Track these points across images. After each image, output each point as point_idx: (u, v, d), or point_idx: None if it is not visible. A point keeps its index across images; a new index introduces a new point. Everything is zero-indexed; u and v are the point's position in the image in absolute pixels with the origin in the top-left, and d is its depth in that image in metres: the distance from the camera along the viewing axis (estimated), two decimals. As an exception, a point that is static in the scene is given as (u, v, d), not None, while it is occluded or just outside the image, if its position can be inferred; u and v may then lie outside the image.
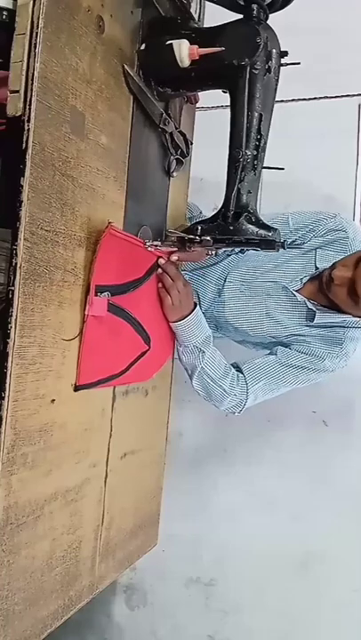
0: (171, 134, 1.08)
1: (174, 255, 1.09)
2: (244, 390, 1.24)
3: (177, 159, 1.12)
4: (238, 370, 1.27)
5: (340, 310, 1.24)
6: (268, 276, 1.32)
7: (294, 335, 1.29)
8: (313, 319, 1.25)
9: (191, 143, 1.16)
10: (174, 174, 1.14)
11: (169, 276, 1.10)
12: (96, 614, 2.06)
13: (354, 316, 1.23)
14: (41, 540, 0.82)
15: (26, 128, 0.72)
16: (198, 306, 1.19)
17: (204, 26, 1.08)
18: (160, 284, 1.12)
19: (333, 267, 1.20)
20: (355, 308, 1.19)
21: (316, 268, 1.27)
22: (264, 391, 1.26)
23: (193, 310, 1.17)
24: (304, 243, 1.30)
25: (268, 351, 1.32)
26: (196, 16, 1.08)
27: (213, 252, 1.10)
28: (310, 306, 1.26)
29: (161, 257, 1.08)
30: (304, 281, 1.28)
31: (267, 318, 1.30)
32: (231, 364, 1.27)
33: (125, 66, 0.93)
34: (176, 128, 1.09)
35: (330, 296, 1.22)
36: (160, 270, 1.09)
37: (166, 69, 0.94)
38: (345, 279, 1.16)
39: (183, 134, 1.11)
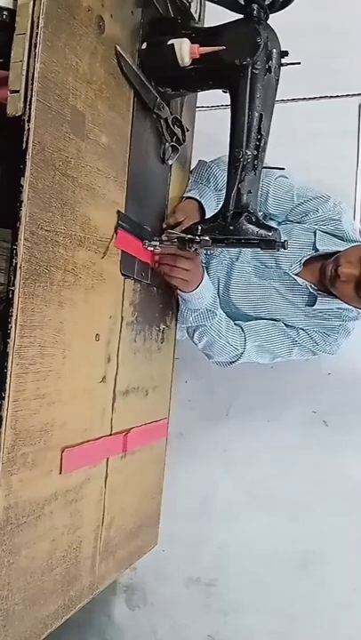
0: (166, 120, 1.06)
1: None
2: (243, 343, 1.28)
3: (172, 146, 1.10)
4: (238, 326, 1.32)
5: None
6: (274, 259, 1.34)
7: (293, 320, 1.33)
8: (313, 303, 1.29)
9: (187, 130, 1.15)
10: (169, 162, 1.12)
11: (167, 264, 1.10)
12: (96, 614, 2.06)
13: (356, 308, 1.28)
14: (41, 540, 0.82)
15: (26, 128, 0.71)
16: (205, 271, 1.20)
17: (205, 26, 1.08)
18: (163, 273, 1.12)
19: (338, 262, 1.20)
20: (360, 303, 1.22)
21: (316, 250, 1.29)
22: (257, 351, 1.31)
23: (203, 277, 1.17)
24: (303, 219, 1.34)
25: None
26: (196, 16, 1.08)
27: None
28: (312, 290, 1.29)
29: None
30: (303, 262, 1.30)
31: (269, 301, 1.33)
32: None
33: (118, 47, 0.89)
34: (171, 114, 1.07)
35: (333, 291, 1.24)
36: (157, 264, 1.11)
37: (167, 69, 0.95)
38: (352, 276, 1.17)
39: (178, 120, 1.10)
